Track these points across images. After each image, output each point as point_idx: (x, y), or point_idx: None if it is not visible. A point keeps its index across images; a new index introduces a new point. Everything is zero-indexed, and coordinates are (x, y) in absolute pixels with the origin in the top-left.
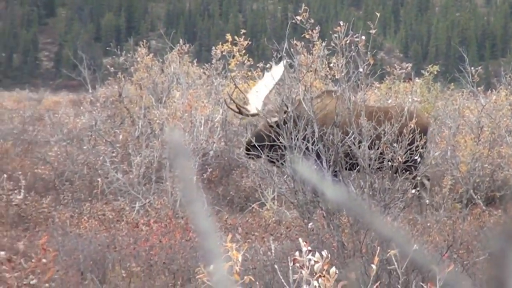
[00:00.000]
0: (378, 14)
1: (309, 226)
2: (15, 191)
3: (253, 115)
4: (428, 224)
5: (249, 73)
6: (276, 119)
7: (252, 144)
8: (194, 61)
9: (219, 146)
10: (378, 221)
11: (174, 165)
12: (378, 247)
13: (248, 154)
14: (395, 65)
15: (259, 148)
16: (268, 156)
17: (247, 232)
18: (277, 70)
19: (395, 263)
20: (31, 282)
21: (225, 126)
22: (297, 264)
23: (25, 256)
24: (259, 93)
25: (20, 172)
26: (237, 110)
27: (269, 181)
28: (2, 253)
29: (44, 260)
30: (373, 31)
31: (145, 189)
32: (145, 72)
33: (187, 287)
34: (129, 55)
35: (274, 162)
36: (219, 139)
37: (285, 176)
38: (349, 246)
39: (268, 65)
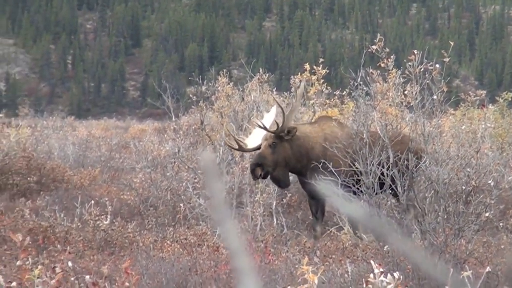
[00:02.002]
0: (452, 43)
1: (384, 249)
2: (102, 217)
3: (253, 149)
4: (502, 247)
5: (328, 101)
6: (274, 128)
7: (256, 164)
8: (274, 90)
9: None
10: (395, 237)
11: (205, 185)
12: (452, 269)
13: (255, 176)
14: (470, 92)
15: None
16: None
17: (325, 255)
18: (269, 116)
19: (469, 285)
20: None
21: None
22: (370, 286)
23: (110, 279)
24: (256, 136)
25: (106, 198)
26: (236, 147)
27: None
28: (88, 277)
29: (127, 284)
30: (446, 59)
31: None
32: (226, 100)
33: None
34: (210, 84)
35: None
36: None
37: (361, 201)
38: (423, 268)
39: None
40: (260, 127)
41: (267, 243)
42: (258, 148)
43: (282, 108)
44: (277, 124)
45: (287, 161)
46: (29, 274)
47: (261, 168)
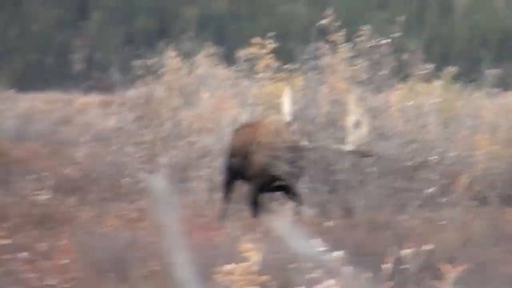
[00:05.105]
0: (404, 17)
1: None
2: (42, 191)
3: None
4: (444, 222)
5: (276, 75)
6: None
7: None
8: (221, 63)
9: None
10: None
11: (157, 213)
12: (393, 247)
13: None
14: (418, 66)
15: None
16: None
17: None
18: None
19: (408, 262)
20: (51, 283)
21: None
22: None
23: (47, 256)
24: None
25: (47, 173)
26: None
27: None
28: (25, 253)
29: (65, 261)
30: (395, 35)
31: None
32: (174, 74)
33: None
34: (158, 58)
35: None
36: None
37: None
38: (365, 245)
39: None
40: None
41: (210, 219)
42: None
43: None
44: None
45: None
46: None
47: None
